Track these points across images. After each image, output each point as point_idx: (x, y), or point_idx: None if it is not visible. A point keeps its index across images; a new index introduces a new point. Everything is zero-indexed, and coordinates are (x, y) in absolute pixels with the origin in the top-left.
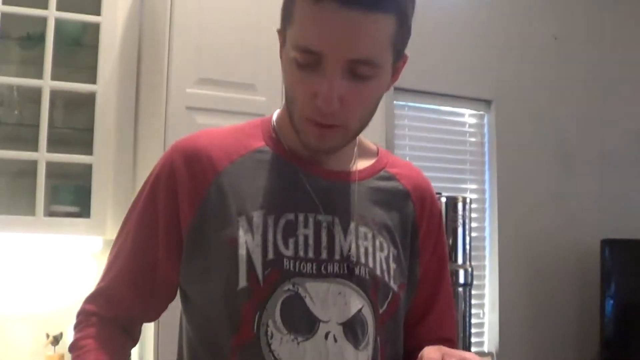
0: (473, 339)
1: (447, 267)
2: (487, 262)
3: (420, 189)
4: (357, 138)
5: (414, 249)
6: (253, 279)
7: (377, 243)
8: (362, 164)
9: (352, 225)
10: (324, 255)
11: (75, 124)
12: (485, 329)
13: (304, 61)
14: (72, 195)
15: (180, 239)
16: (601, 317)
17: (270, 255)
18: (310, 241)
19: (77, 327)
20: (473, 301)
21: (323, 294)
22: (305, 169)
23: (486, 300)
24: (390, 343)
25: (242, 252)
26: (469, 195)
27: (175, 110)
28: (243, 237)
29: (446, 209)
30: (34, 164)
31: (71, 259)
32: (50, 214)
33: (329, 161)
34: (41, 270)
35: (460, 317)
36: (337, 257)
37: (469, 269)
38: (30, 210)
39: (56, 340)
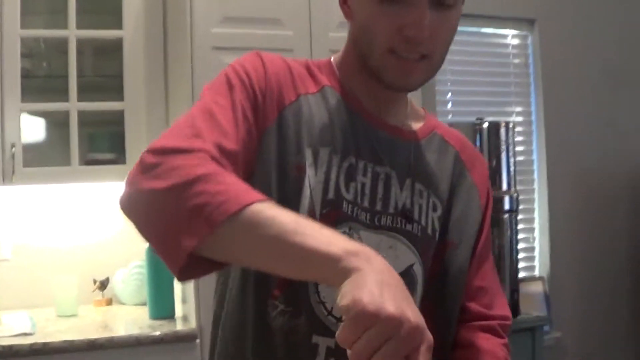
0: (523, 264)
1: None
2: (536, 186)
3: (468, 149)
4: (408, 97)
5: (468, 212)
6: (311, 214)
7: (431, 202)
8: (414, 124)
9: (409, 181)
10: (379, 206)
11: (105, 71)
12: (536, 253)
13: None
14: (107, 143)
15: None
16: None
17: (331, 195)
18: (367, 190)
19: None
20: (523, 226)
21: (374, 245)
22: (367, 119)
23: (536, 225)
24: (440, 308)
25: (306, 183)
26: (515, 119)
27: (201, 52)
28: (307, 169)
29: (489, 135)
30: (66, 114)
31: (112, 206)
32: (86, 162)
33: (388, 115)
34: (83, 218)
35: (507, 243)
36: (391, 210)
37: (514, 195)
38: (66, 160)
39: (103, 285)
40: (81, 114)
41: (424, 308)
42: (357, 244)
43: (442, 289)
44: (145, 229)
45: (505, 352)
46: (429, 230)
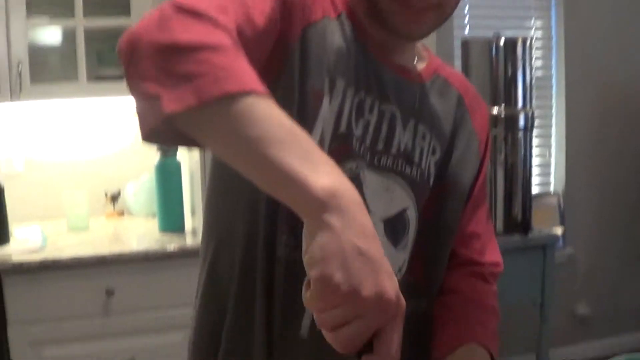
0: (539, 180)
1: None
2: (554, 102)
3: (470, 94)
4: None
5: (466, 158)
6: (319, 146)
7: (432, 146)
8: (419, 65)
9: (412, 123)
10: (381, 146)
11: None
12: (552, 169)
13: None
14: (115, 59)
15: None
16: None
17: (343, 129)
18: (371, 128)
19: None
20: (539, 142)
21: (373, 185)
22: (377, 55)
23: (553, 141)
24: (431, 253)
25: (321, 112)
26: (534, 34)
27: None
28: (325, 98)
29: (505, 51)
30: (72, 30)
31: (122, 120)
32: (94, 78)
33: (395, 54)
34: (93, 132)
35: (520, 161)
36: (393, 151)
37: (530, 113)
38: (74, 77)
39: (114, 197)
40: (88, 31)
41: (414, 253)
42: (341, 176)
43: (434, 234)
44: (133, 76)
45: (492, 299)
46: (426, 175)
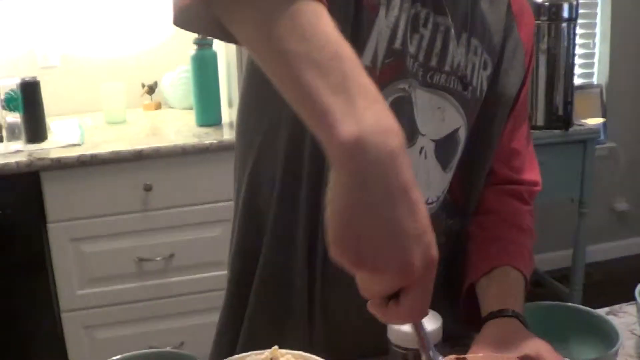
0: (582, 71)
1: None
2: None
3: (519, 3)
4: None
5: (512, 70)
6: (373, 62)
7: (483, 60)
8: None
9: (465, 36)
10: (434, 63)
11: None
12: (595, 60)
13: None
14: None
15: None
16: None
17: (397, 44)
18: (425, 44)
19: None
20: (583, 31)
21: (424, 105)
22: None
23: (597, 31)
24: (470, 170)
25: (376, 25)
26: None
27: None
28: (382, 10)
29: None
30: None
31: (159, 12)
32: None
33: None
34: (130, 25)
35: (563, 52)
36: (447, 68)
37: (574, 3)
38: None
39: (151, 89)
40: None
41: (456, 171)
42: (378, 116)
43: (476, 151)
44: None
45: (528, 220)
46: (478, 92)
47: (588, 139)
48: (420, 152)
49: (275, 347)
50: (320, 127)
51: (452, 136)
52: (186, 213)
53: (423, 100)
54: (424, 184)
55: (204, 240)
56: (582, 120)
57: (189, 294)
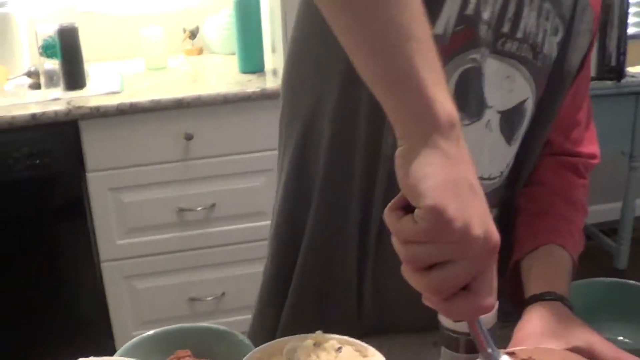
0: (636, 19)
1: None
2: None
3: None
4: None
5: (580, 34)
6: (444, 30)
7: (554, 26)
8: None
9: (537, 0)
10: (506, 29)
11: None
12: None
13: None
14: None
15: None
16: None
17: (470, 10)
18: (497, 8)
19: None
20: None
21: (493, 74)
22: None
23: None
24: (528, 140)
25: None
26: None
27: None
28: None
29: None
30: None
31: None
32: None
33: None
34: None
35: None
36: (519, 35)
37: None
38: None
39: (193, 34)
40: None
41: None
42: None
43: (535, 119)
44: None
45: (582, 194)
46: (549, 60)
47: None
48: (487, 126)
49: (319, 331)
50: (419, 102)
51: (519, 108)
52: (228, 162)
53: (492, 70)
54: (488, 159)
55: (246, 190)
56: (636, 69)
57: (230, 245)
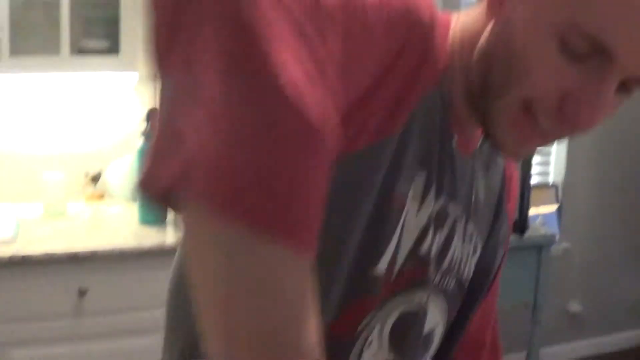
0: (538, 170)
1: None
2: None
3: (511, 166)
4: None
5: (495, 247)
6: (389, 267)
7: (475, 245)
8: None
9: (463, 222)
10: (446, 263)
11: None
12: (552, 160)
13: (575, 47)
14: (101, 29)
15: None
16: None
17: (424, 250)
18: (441, 243)
19: None
20: None
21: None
22: (459, 136)
23: None
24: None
25: (400, 223)
26: None
27: None
28: (409, 203)
29: None
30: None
31: (105, 97)
32: (78, 50)
33: (468, 127)
34: (75, 109)
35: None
36: (445, 265)
37: None
38: (56, 49)
39: (95, 179)
40: None
41: None
42: None
43: (446, 338)
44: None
45: None
46: (466, 284)
47: (543, 244)
48: None
49: None
50: None
51: (428, 336)
52: (122, 320)
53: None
54: None
55: (139, 350)
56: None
57: None
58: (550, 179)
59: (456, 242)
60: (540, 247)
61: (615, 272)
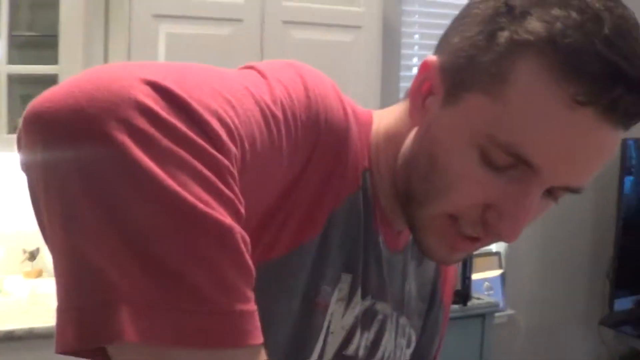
0: None
1: None
2: None
3: None
4: None
5: (432, 336)
6: None
7: (408, 338)
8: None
9: (395, 317)
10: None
11: (39, 29)
12: None
13: (498, 161)
14: None
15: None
16: (617, 215)
17: (351, 350)
18: (369, 343)
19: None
20: None
21: None
22: (384, 235)
23: None
24: None
25: (325, 324)
26: None
27: (140, 20)
28: (334, 305)
29: None
30: None
31: None
32: (14, 129)
33: (395, 222)
34: (12, 187)
35: None
36: None
37: None
38: None
39: (32, 256)
40: (11, 77)
41: None
42: None
43: None
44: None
45: None
46: None
47: (487, 313)
48: None
49: None
50: None
51: None
52: None
53: None
54: None
55: None
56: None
57: None
58: (493, 247)
59: (387, 338)
60: (484, 315)
61: (560, 339)
